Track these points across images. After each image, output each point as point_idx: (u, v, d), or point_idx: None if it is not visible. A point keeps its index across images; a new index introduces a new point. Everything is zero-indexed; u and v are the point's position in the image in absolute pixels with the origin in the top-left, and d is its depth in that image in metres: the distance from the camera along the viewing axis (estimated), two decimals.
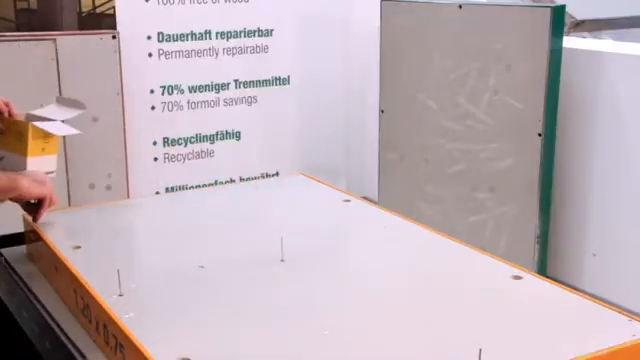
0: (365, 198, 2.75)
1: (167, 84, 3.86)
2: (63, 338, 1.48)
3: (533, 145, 3.16)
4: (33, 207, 1.87)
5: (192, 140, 4.01)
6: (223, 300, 1.47)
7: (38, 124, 1.92)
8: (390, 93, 3.77)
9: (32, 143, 1.91)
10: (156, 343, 1.28)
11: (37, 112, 1.98)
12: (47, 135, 1.94)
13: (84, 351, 1.43)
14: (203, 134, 4.03)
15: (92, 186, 3.65)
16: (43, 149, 1.95)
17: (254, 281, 1.56)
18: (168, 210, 2.03)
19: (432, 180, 3.60)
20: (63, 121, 1.98)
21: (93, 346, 1.45)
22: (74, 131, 1.97)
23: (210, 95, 4.03)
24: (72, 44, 3.57)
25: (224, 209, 2.01)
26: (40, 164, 1.94)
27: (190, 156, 4.01)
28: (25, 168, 1.91)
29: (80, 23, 8.54)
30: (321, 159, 4.38)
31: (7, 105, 1.94)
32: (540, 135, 3.13)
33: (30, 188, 1.82)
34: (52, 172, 1.98)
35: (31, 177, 1.85)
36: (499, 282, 1.54)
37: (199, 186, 3.88)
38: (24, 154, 1.91)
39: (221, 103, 4.07)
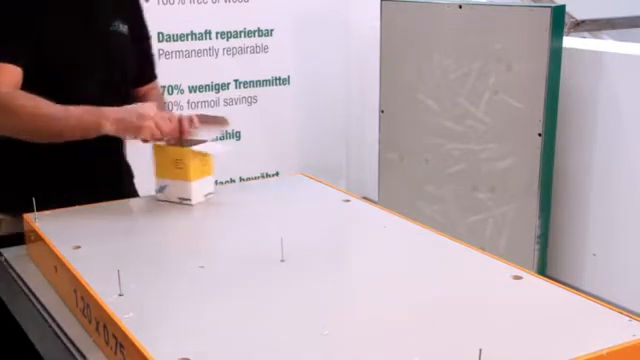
0: (365, 198, 2.75)
1: (167, 84, 3.86)
2: (63, 338, 1.48)
3: (533, 145, 3.16)
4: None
5: None
6: (223, 300, 1.47)
7: (197, 148, 1.97)
8: (390, 93, 3.77)
9: (193, 167, 1.96)
10: (156, 343, 1.28)
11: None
12: (204, 156, 1.99)
13: (84, 351, 1.43)
14: None
15: None
16: (202, 172, 2.00)
17: (254, 281, 1.56)
18: (168, 210, 2.03)
19: (432, 180, 3.60)
20: (216, 139, 2.07)
21: (93, 346, 1.45)
22: (229, 148, 2.01)
23: (210, 95, 4.03)
24: None
25: (224, 209, 2.01)
26: (201, 187, 2.00)
27: None
28: (190, 194, 1.97)
29: None
30: (321, 159, 4.38)
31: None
32: (540, 135, 3.13)
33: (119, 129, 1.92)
34: (211, 193, 2.04)
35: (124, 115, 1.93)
36: (499, 282, 1.54)
37: None
38: (188, 180, 1.96)
39: (221, 103, 4.07)
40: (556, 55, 3.10)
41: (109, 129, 1.91)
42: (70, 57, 2.06)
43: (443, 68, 3.47)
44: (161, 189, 2.02)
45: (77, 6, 2.08)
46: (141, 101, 2.23)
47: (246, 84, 4.13)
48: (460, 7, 3.36)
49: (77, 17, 2.07)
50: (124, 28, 2.15)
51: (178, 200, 1.99)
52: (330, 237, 1.86)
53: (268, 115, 4.19)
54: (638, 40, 3.65)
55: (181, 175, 1.97)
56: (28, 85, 2.06)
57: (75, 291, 1.54)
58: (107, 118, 1.91)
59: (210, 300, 1.47)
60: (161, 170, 2.02)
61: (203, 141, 2.02)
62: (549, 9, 3.06)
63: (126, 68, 2.20)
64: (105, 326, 1.39)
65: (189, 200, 1.98)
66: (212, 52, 3.98)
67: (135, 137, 1.95)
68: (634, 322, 1.34)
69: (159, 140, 1.97)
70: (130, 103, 2.13)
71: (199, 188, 2.00)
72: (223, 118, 2.12)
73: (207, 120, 2.11)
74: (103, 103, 2.06)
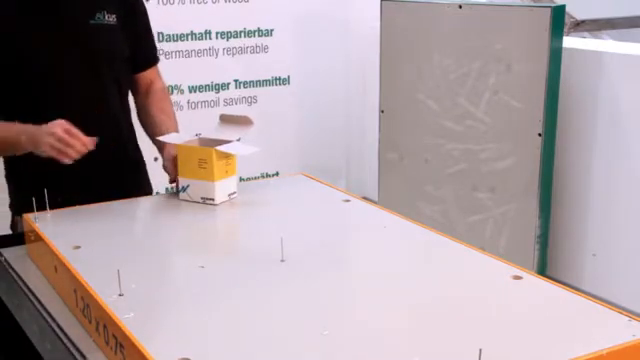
0: (365, 198, 2.75)
1: (167, 84, 3.85)
2: (63, 338, 1.48)
3: (533, 145, 3.16)
4: None
5: None
6: (223, 300, 1.47)
7: (220, 148, 1.98)
8: (390, 93, 3.77)
9: (217, 167, 1.97)
10: (156, 343, 1.28)
11: (210, 135, 2.06)
12: (228, 157, 2.00)
13: (84, 351, 1.43)
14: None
15: None
16: (226, 171, 2.01)
17: (254, 281, 1.56)
18: (168, 210, 2.03)
19: (432, 180, 3.60)
20: (239, 140, 2.05)
21: (93, 346, 1.45)
22: (254, 149, 2.01)
23: (210, 95, 4.03)
24: None
25: (224, 209, 2.00)
26: (224, 187, 2.01)
27: None
28: (214, 194, 1.97)
29: None
30: (321, 159, 4.38)
31: None
32: (540, 135, 3.13)
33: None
34: (234, 193, 2.05)
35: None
36: (499, 282, 1.54)
37: None
38: (211, 179, 1.97)
39: (221, 103, 4.07)
40: (556, 55, 3.10)
41: (26, 144, 1.94)
42: (46, 57, 2.05)
43: (443, 68, 3.47)
44: (184, 189, 2.02)
45: (52, 4, 2.06)
46: (144, 94, 2.35)
47: (246, 84, 4.13)
48: (460, 7, 3.36)
49: (52, 16, 2.05)
50: (111, 18, 2.12)
51: (201, 200, 2.00)
52: (330, 237, 1.86)
53: (268, 115, 4.19)
54: (638, 40, 3.65)
55: (205, 175, 1.98)
56: (9, 88, 2.05)
57: (75, 291, 1.54)
58: (24, 133, 1.94)
59: (210, 300, 1.47)
60: (184, 170, 2.02)
61: (228, 141, 2.02)
62: (549, 9, 3.06)
63: (113, 58, 2.17)
64: (105, 326, 1.39)
65: (212, 200, 1.99)
66: (212, 52, 3.98)
67: (43, 153, 1.93)
68: (634, 322, 1.34)
69: (64, 156, 1.91)
70: (122, 94, 2.22)
71: (222, 188, 2.00)
72: (247, 118, 2.12)
73: (230, 120, 2.11)
74: (91, 101, 2.09)
